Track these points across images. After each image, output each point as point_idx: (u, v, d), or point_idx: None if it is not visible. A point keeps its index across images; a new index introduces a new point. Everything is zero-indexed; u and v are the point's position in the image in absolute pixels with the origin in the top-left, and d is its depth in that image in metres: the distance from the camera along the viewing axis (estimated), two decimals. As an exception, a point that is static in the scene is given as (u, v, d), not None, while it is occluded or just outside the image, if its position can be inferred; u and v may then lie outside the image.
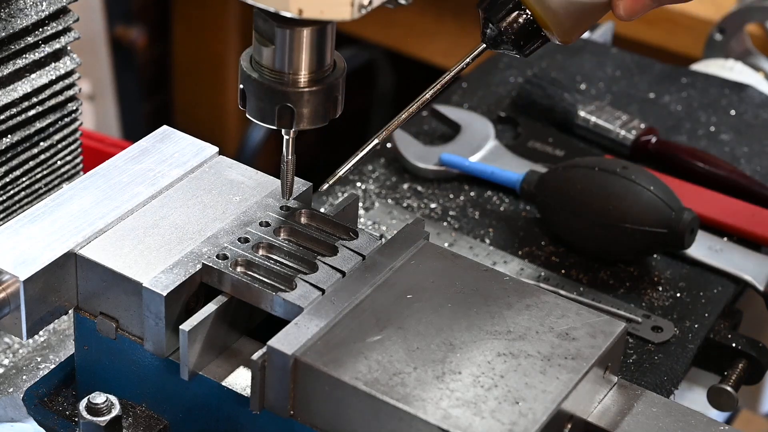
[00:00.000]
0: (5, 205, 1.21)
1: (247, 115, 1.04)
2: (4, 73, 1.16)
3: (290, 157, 1.07)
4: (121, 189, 1.08)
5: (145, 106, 3.00)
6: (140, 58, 2.90)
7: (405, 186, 1.43)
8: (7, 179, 1.20)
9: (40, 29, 1.19)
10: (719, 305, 1.30)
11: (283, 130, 1.05)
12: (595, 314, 1.03)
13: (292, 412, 0.98)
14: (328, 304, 0.99)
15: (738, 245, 1.37)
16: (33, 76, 1.20)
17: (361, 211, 1.38)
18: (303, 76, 1.01)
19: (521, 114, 1.55)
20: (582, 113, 1.52)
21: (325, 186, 1.09)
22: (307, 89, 1.02)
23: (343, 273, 1.02)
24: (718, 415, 1.34)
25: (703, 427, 1.02)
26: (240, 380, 1.01)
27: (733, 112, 1.58)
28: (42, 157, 1.23)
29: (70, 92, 1.24)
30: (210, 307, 1.00)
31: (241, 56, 1.03)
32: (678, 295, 1.30)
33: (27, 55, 1.18)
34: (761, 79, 1.69)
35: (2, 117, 1.17)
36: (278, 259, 1.04)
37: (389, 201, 1.41)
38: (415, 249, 1.06)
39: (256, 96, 1.02)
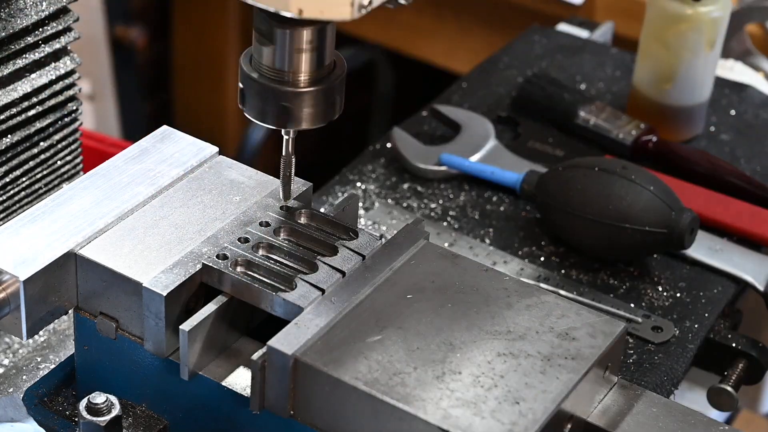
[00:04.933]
0: (5, 205, 1.21)
1: (247, 115, 1.04)
2: (4, 73, 1.16)
3: (290, 158, 1.07)
4: (121, 189, 1.08)
5: (145, 106, 2.99)
6: (140, 58, 2.90)
7: (405, 186, 1.43)
8: (7, 179, 1.20)
9: (40, 29, 1.19)
10: (719, 305, 1.30)
11: (282, 130, 1.05)
12: (595, 314, 1.03)
13: (292, 412, 0.97)
14: (328, 304, 0.99)
15: (738, 245, 1.37)
16: (33, 76, 1.20)
17: (361, 211, 1.38)
18: (303, 76, 1.01)
19: (521, 114, 1.55)
20: (582, 113, 1.52)
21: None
22: (306, 89, 1.01)
23: (343, 273, 1.02)
24: (718, 415, 1.34)
25: (703, 427, 1.02)
26: (240, 380, 1.01)
27: (733, 112, 1.58)
28: (42, 157, 1.23)
29: (70, 92, 1.24)
30: (210, 307, 1.00)
31: (241, 56, 1.03)
32: (678, 295, 1.30)
33: (27, 55, 1.18)
34: (761, 79, 1.69)
35: (2, 117, 1.17)
36: (278, 259, 1.04)
37: (389, 201, 1.40)
38: (415, 249, 1.06)
39: (256, 96, 1.02)
